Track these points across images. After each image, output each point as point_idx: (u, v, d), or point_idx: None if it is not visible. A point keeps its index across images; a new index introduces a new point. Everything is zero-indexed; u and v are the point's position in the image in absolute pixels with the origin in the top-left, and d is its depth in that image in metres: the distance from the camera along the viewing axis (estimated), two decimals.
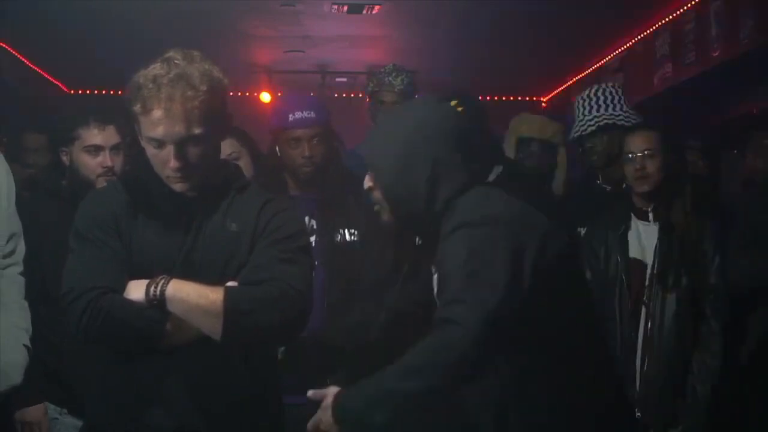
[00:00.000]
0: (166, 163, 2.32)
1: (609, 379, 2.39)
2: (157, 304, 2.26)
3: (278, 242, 2.37)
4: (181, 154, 2.30)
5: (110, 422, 2.37)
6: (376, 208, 2.40)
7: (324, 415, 2.19)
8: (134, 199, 2.41)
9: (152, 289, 2.26)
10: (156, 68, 2.30)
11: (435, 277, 2.34)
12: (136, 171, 2.50)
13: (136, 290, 2.28)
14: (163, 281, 2.27)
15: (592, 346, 2.33)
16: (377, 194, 2.38)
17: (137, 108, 2.29)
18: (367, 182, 2.40)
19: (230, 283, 2.31)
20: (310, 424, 2.22)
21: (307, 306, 2.38)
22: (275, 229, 2.38)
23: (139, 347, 2.30)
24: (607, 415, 2.29)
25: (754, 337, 3.47)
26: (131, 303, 2.27)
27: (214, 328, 2.26)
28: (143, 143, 2.37)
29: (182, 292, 2.26)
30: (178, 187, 2.36)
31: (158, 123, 2.27)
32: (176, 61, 2.30)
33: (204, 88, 2.29)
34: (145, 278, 2.29)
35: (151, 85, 2.27)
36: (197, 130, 2.29)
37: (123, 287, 2.30)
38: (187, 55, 2.33)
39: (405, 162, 2.30)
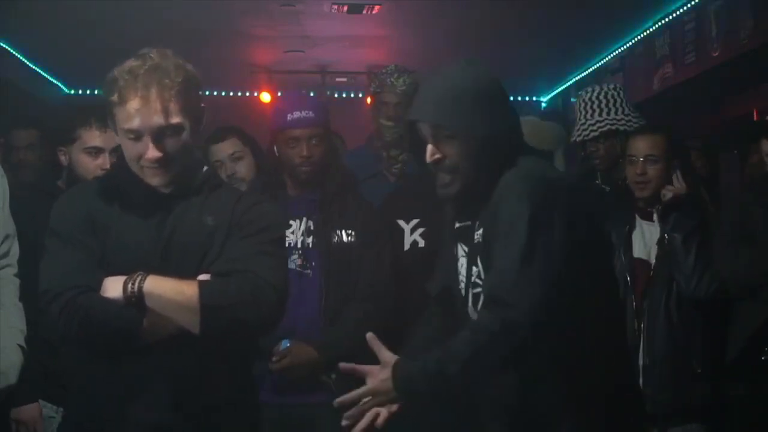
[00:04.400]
0: (142, 154, 2.32)
1: (623, 364, 2.39)
2: (134, 300, 2.26)
3: (252, 235, 2.38)
4: (158, 144, 2.30)
5: (89, 418, 2.38)
6: (447, 180, 2.31)
7: (382, 385, 2.17)
8: (109, 197, 2.41)
9: (129, 285, 2.26)
10: (131, 62, 2.33)
11: (480, 232, 2.29)
12: (111, 168, 2.51)
13: (113, 287, 2.28)
14: (140, 278, 2.27)
15: (611, 331, 2.33)
16: (448, 162, 2.29)
17: (114, 98, 2.30)
18: (433, 153, 2.30)
19: (202, 277, 2.31)
20: (361, 391, 2.20)
21: (282, 297, 2.37)
22: (249, 222, 2.39)
23: (117, 346, 2.30)
24: (617, 401, 2.28)
25: (742, 333, 3.47)
26: (108, 301, 2.27)
27: (192, 323, 2.27)
28: (119, 138, 2.37)
29: (159, 288, 2.27)
30: (154, 180, 2.36)
31: (135, 114, 2.28)
32: (151, 56, 2.33)
33: (179, 79, 2.31)
34: (122, 275, 2.29)
35: (127, 76, 2.29)
36: (175, 120, 2.31)
37: (99, 285, 2.29)
38: (161, 51, 2.36)
39: (486, 108, 2.26)
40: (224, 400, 2.37)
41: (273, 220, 2.48)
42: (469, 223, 2.36)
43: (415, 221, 3.57)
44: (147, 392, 2.31)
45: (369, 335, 2.27)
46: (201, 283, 2.29)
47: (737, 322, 3.50)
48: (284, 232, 2.56)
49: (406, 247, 3.57)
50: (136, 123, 2.29)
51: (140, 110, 2.28)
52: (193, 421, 2.33)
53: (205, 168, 2.52)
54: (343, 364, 2.30)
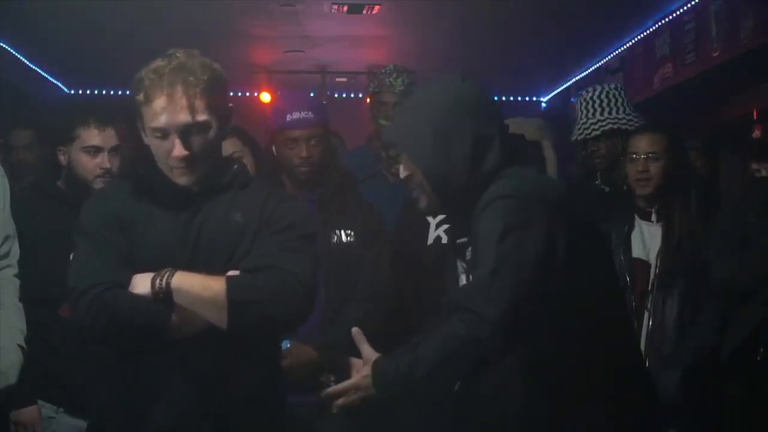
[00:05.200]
0: (169, 152, 2.32)
1: (633, 361, 2.40)
2: (162, 296, 2.27)
3: (280, 231, 2.38)
4: (185, 142, 2.31)
5: (114, 419, 2.38)
6: (414, 194, 2.39)
7: (363, 381, 2.25)
8: (139, 195, 2.42)
9: (158, 281, 2.27)
10: (157, 62, 2.34)
11: (469, 248, 2.33)
12: (140, 167, 2.51)
13: (142, 284, 2.28)
14: (168, 273, 2.28)
15: (616, 332, 2.34)
16: (416, 179, 2.36)
17: (140, 97, 2.31)
18: (403, 171, 2.38)
19: (231, 273, 2.32)
20: (345, 385, 2.29)
21: (309, 293, 2.38)
22: (278, 219, 2.40)
23: (144, 342, 2.31)
24: (630, 399, 2.29)
25: (740, 333, 3.47)
26: (136, 297, 2.28)
27: (219, 319, 2.27)
28: (147, 138, 2.38)
29: (187, 283, 2.27)
30: (182, 180, 2.36)
31: (161, 111, 2.29)
32: (177, 55, 2.34)
33: (205, 77, 2.31)
34: (151, 273, 2.29)
35: (152, 76, 2.30)
36: (201, 117, 2.30)
37: (127, 282, 2.30)
38: (188, 51, 2.37)
39: (443, 140, 2.28)
40: (250, 396, 2.37)
41: (301, 216, 2.48)
42: (463, 240, 2.40)
43: (441, 216, 3.56)
44: (171, 392, 2.31)
45: (354, 330, 2.32)
46: (228, 278, 2.29)
47: (734, 322, 3.50)
48: (313, 229, 2.55)
49: (430, 241, 3.56)
50: (162, 121, 2.30)
51: (166, 108, 2.29)
52: (218, 418, 2.33)
53: (236, 166, 2.52)
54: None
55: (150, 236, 2.37)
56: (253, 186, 2.50)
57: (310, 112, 3.38)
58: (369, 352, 2.28)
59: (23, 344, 2.91)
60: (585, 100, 3.97)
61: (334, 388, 2.31)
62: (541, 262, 2.15)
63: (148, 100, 2.30)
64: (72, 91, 9.41)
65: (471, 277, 2.22)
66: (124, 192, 2.44)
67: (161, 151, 2.34)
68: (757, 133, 6.10)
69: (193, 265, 2.32)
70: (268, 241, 2.36)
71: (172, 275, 2.27)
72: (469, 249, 2.34)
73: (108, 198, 2.48)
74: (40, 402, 3.24)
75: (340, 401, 2.29)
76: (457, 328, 2.14)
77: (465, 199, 2.30)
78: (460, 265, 2.43)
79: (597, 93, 3.96)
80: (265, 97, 8.91)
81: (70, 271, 2.37)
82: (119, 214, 2.39)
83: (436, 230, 3.57)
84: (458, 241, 2.43)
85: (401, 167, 2.39)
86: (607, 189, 3.91)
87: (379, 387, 2.22)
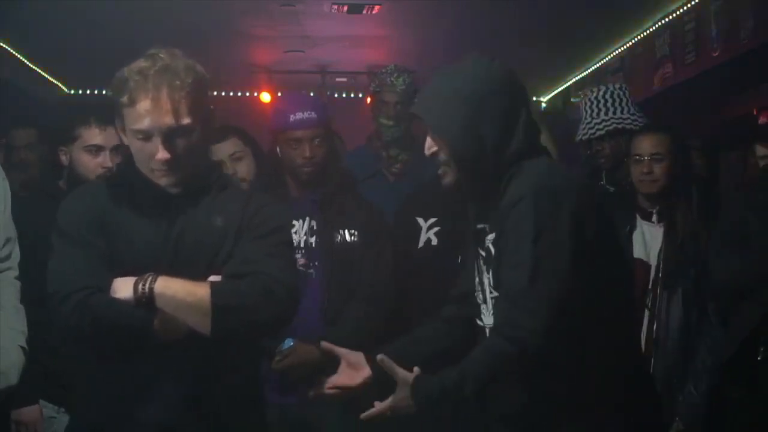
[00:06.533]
0: (152, 155, 2.31)
1: (634, 356, 2.43)
2: (145, 301, 2.25)
3: (263, 236, 2.38)
4: (169, 145, 2.30)
5: (98, 419, 2.37)
6: (440, 171, 2.38)
7: (402, 402, 2.27)
8: (118, 197, 2.40)
9: (140, 286, 2.26)
10: (141, 62, 2.32)
11: (491, 237, 2.33)
12: (120, 168, 2.51)
13: (124, 288, 2.27)
14: (150, 278, 2.26)
15: (623, 331, 2.37)
16: (443, 155, 2.35)
17: (124, 99, 2.30)
18: (430, 146, 2.37)
19: (213, 278, 2.31)
20: (385, 406, 2.30)
21: (293, 297, 2.38)
22: (260, 224, 2.39)
23: (128, 346, 2.30)
24: (632, 394, 2.31)
25: (740, 333, 3.48)
26: (119, 302, 2.26)
27: (202, 324, 2.26)
28: (127, 139, 2.37)
29: (170, 289, 2.26)
30: (163, 181, 2.35)
31: (145, 114, 2.28)
32: (161, 56, 2.33)
33: (189, 80, 2.31)
34: (131, 275, 2.28)
35: (137, 77, 2.29)
36: (185, 120, 2.30)
37: (109, 286, 2.28)
38: (170, 51, 2.35)
39: (474, 119, 2.29)
40: (233, 398, 2.37)
41: (282, 221, 2.49)
42: (483, 226, 2.39)
43: (432, 220, 3.59)
44: (157, 392, 2.31)
45: (380, 357, 2.34)
46: (212, 284, 2.28)
47: (734, 322, 3.50)
48: (292, 234, 2.56)
49: (420, 244, 3.58)
50: (146, 124, 2.29)
51: (150, 111, 2.28)
52: (202, 420, 2.33)
53: (216, 169, 2.53)
54: (324, 343, 2.36)
55: (130, 238, 2.36)
56: (233, 189, 2.51)
57: (313, 113, 3.39)
58: (405, 375, 2.29)
59: (24, 345, 2.90)
60: (590, 99, 3.98)
61: (375, 410, 2.32)
62: (574, 261, 2.16)
63: (133, 102, 2.29)
64: (72, 91, 9.40)
65: (505, 284, 2.23)
66: (104, 193, 2.43)
67: (143, 153, 2.34)
68: (763, 119, 6.10)
69: (173, 268, 2.31)
70: (250, 246, 2.36)
71: (155, 280, 2.26)
72: (490, 237, 2.33)
73: (87, 199, 2.46)
74: (41, 402, 3.25)
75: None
76: (503, 344, 2.18)
77: (487, 182, 2.31)
78: (478, 253, 2.41)
79: (602, 93, 3.97)
80: (265, 97, 8.91)
81: (49, 273, 2.35)
82: (99, 215, 2.38)
83: (427, 233, 3.59)
84: (478, 226, 2.41)
85: (427, 142, 2.38)
86: (611, 189, 3.91)
87: (424, 405, 2.25)
